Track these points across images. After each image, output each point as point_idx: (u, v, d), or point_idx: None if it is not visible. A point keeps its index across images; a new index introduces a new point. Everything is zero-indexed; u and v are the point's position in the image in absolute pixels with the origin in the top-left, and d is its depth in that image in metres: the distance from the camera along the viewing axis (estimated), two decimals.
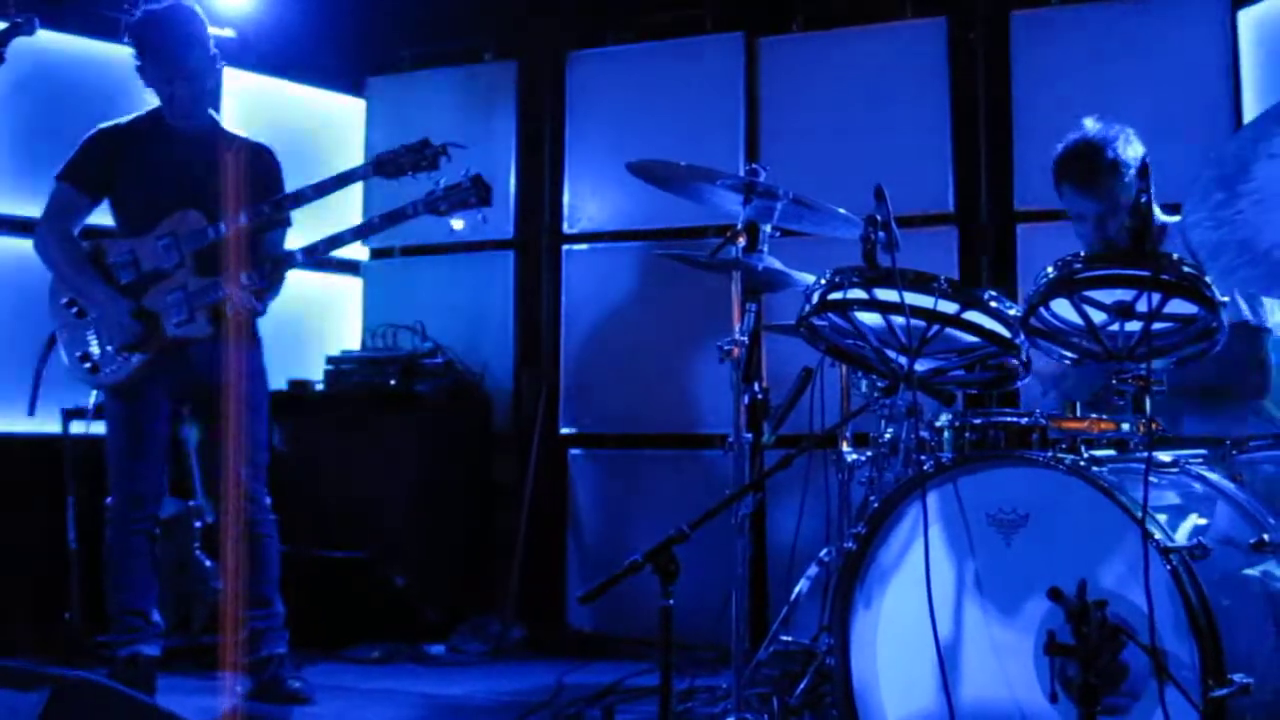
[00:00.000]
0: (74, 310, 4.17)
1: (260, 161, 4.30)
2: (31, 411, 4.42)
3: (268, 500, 4.31)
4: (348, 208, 5.77)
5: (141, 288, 4.13)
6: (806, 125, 5.36)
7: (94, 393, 4.37)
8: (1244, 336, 3.49)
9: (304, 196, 4.17)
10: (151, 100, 4.28)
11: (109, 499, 4.21)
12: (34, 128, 5.23)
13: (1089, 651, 2.30)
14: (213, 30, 4.26)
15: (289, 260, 4.17)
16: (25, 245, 5.22)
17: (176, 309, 4.10)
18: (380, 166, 4.18)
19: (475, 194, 4.16)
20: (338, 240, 4.21)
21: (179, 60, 4.14)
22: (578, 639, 5.40)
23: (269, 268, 4.11)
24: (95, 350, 4.14)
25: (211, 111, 4.36)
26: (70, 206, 4.23)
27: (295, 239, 4.33)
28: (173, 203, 4.13)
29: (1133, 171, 3.58)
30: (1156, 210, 3.73)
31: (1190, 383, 3.25)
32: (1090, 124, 3.72)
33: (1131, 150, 3.65)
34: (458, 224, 4.19)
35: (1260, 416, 3.59)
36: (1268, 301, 3.58)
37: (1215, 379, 3.40)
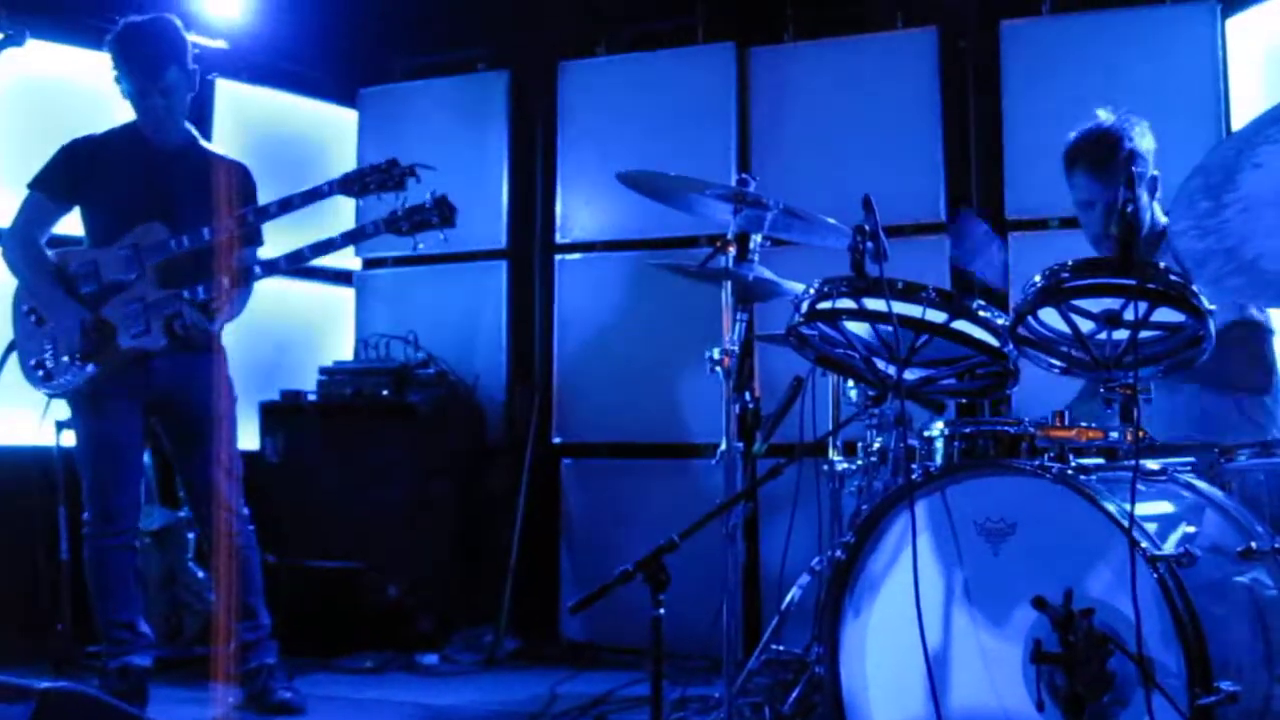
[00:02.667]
0: (33, 318, 4.14)
1: (234, 178, 4.29)
2: None
3: (245, 510, 4.30)
4: (345, 219, 5.78)
5: (102, 298, 4.11)
6: (797, 135, 5.37)
7: (47, 402, 4.31)
8: (1245, 331, 3.48)
9: (268, 212, 4.17)
10: (130, 113, 4.27)
11: (85, 514, 4.19)
12: (24, 138, 5.22)
13: (1076, 660, 2.31)
14: (198, 40, 4.26)
15: (247, 275, 4.17)
16: None
17: (134, 320, 4.08)
18: (345, 185, 4.18)
19: (437, 214, 4.15)
20: (298, 256, 4.19)
21: (155, 74, 4.14)
22: (570, 649, 5.40)
23: (222, 282, 4.09)
24: (49, 359, 4.11)
25: (189, 126, 4.35)
26: (38, 214, 4.23)
27: (274, 249, 4.34)
28: (139, 215, 4.13)
29: (1147, 165, 3.63)
30: (1158, 211, 3.74)
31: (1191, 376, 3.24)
32: (1105, 114, 3.72)
33: (1145, 143, 3.67)
34: (420, 244, 4.18)
35: (1260, 416, 3.57)
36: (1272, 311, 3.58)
37: (1215, 373, 3.38)
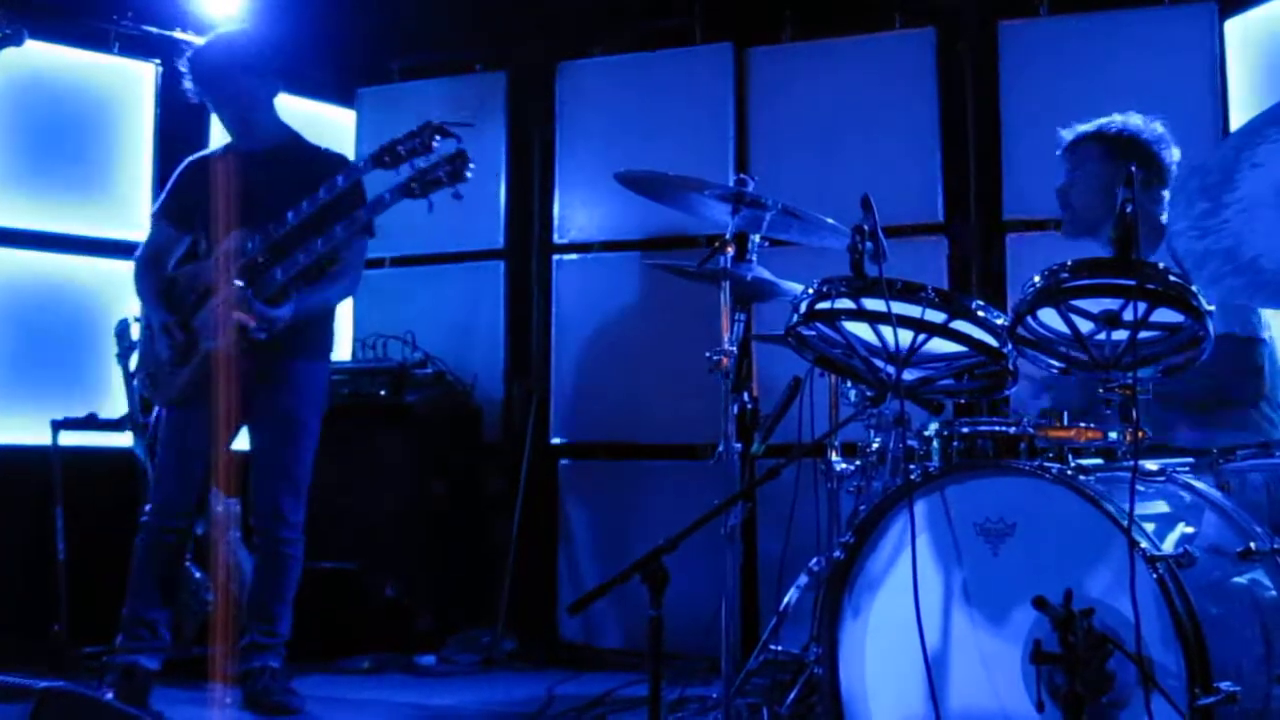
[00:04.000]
0: (148, 332, 4.31)
1: (328, 168, 4.24)
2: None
3: (298, 519, 4.29)
4: None
5: (196, 307, 4.20)
6: (795, 135, 5.37)
7: (156, 410, 4.48)
8: (1233, 349, 3.47)
9: (303, 211, 4.14)
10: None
11: (146, 505, 4.28)
12: (23, 139, 5.24)
13: (1075, 660, 2.31)
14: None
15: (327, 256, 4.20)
16: (14, 256, 5.25)
17: (216, 325, 4.12)
18: (379, 160, 4.16)
19: (446, 168, 4.09)
20: (332, 237, 4.15)
21: (217, 92, 4.29)
22: (568, 650, 5.39)
23: (275, 273, 4.11)
24: (155, 368, 4.26)
25: (290, 127, 4.43)
26: (161, 241, 4.40)
27: None
28: (233, 224, 4.19)
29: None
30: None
31: (1182, 396, 3.25)
32: (1138, 120, 3.73)
33: (1170, 154, 3.70)
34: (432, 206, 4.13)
35: (1255, 423, 3.56)
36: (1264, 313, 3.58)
37: (1207, 393, 3.40)
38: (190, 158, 4.45)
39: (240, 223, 4.17)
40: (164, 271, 4.36)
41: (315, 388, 4.36)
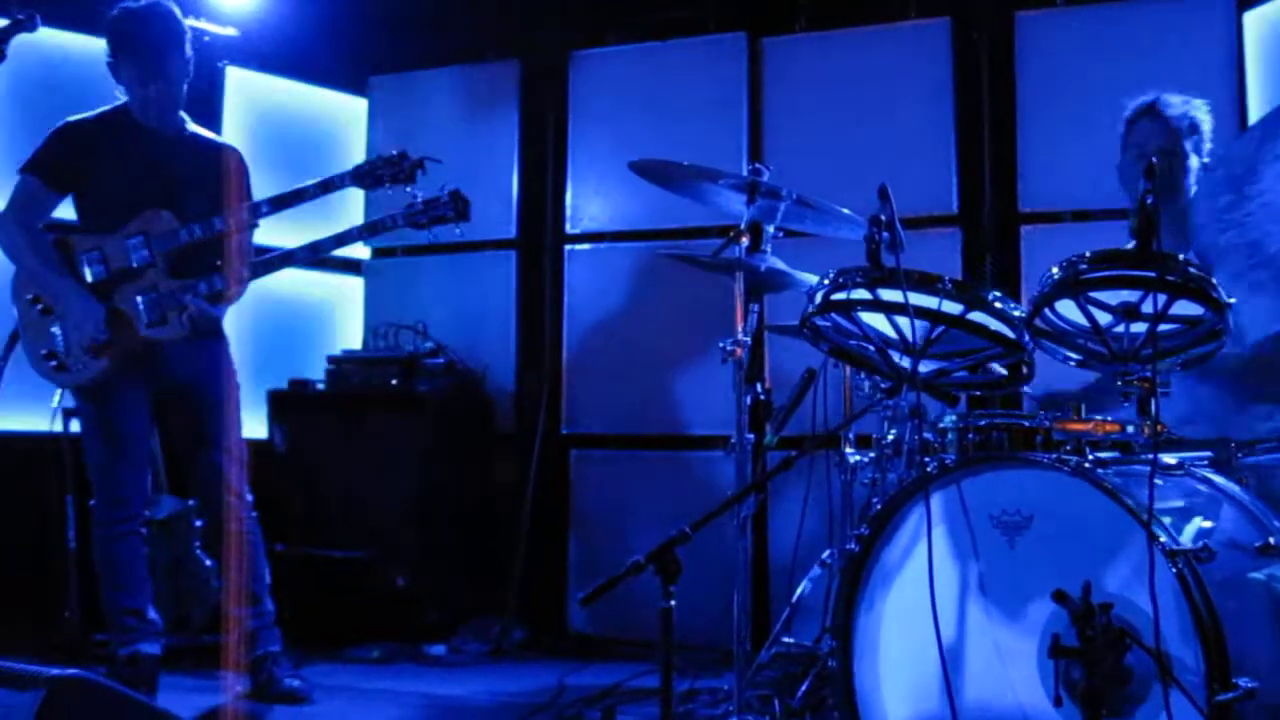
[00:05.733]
0: (39, 306, 4.09)
1: (233, 163, 4.29)
2: None
3: (250, 497, 4.29)
4: (354, 207, 5.78)
5: (110, 286, 4.10)
6: (810, 126, 5.35)
7: (58, 391, 4.34)
8: None
9: (284, 201, 4.17)
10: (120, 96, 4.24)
11: (92, 501, 4.20)
12: (37, 124, 5.19)
13: (1093, 655, 2.29)
14: (208, 27, 4.25)
15: (262, 267, 4.21)
16: None
17: (149, 310, 4.08)
18: (358, 177, 4.23)
19: (452, 209, 4.25)
20: (318, 248, 4.26)
21: (159, 61, 4.11)
22: (579, 640, 5.39)
23: (241, 272, 4.12)
24: (61, 349, 4.08)
25: (182, 113, 4.31)
26: (35, 200, 4.14)
27: (285, 239, 4.32)
28: (144, 201, 4.10)
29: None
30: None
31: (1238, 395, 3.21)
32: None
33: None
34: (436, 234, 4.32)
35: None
36: None
37: (1262, 391, 3.33)
38: (72, 118, 4.21)
39: (156, 203, 4.10)
40: (40, 233, 4.12)
41: (230, 365, 4.33)
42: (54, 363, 4.08)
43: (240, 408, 4.32)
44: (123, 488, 4.16)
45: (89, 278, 4.10)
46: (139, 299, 4.08)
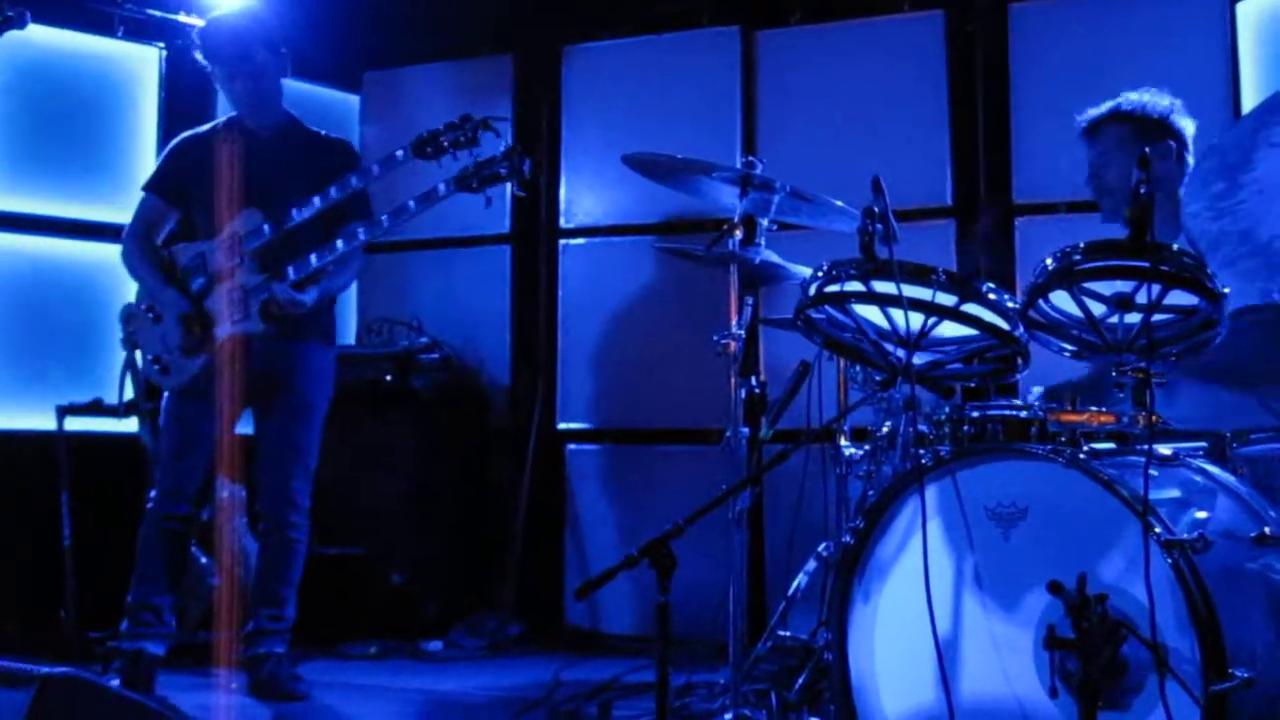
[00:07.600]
0: (151, 315, 4.24)
1: (333, 155, 4.31)
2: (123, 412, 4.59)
3: (306, 504, 4.30)
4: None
5: (208, 290, 4.19)
6: (804, 118, 5.34)
7: (165, 394, 4.38)
8: (1261, 316, 3.42)
9: (314, 207, 4.14)
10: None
11: (151, 491, 4.27)
12: (26, 123, 5.21)
13: (1089, 646, 2.28)
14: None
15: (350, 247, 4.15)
16: (19, 241, 5.24)
17: (235, 308, 4.11)
18: (419, 149, 4.13)
19: (507, 166, 4.06)
20: (377, 224, 4.16)
21: (241, 56, 4.21)
22: (575, 635, 5.39)
23: (310, 260, 4.10)
24: (164, 353, 4.21)
25: (288, 110, 4.39)
26: (152, 216, 4.34)
27: None
28: (239, 203, 4.16)
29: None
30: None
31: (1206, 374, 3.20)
32: (1149, 96, 3.71)
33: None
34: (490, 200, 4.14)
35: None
36: None
37: (1229, 366, 3.33)
38: (185, 133, 4.41)
39: (248, 202, 4.15)
40: (155, 247, 4.32)
41: (326, 373, 4.37)
42: (158, 366, 4.23)
43: (319, 415, 4.33)
44: (178, 483, 4.22)
45: (194, 285, 4.20)
46: (226, 297, 4.13)
